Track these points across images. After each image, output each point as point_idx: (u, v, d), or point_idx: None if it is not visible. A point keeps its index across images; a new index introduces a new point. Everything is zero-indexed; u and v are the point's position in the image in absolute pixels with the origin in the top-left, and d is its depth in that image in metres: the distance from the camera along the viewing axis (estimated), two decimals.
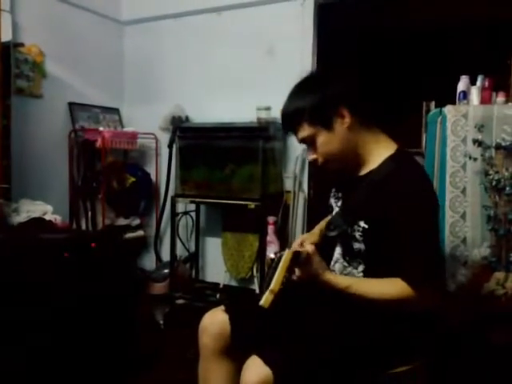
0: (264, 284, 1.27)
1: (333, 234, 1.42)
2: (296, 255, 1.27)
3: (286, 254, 1.26)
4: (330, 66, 1.39)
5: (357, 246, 1.32)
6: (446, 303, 2.04)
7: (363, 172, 1.35)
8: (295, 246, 1.42)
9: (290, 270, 1.26)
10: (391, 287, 1.24)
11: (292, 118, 1.35)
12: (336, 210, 1.45)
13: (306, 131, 1.32)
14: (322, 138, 1.31)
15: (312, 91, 1.31)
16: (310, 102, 1.29)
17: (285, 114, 1.37)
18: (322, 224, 1.61)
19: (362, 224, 1.29)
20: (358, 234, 1.30)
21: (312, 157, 1.38)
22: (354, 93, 1.34)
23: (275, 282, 1.21)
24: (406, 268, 1.22)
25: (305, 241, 1.43)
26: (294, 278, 1.32)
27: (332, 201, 1.49)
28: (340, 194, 1.46)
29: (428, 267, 1.21)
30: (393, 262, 1.24)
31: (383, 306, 1.24)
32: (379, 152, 1.32)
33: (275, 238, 2.85)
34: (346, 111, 1.29)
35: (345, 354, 1.23)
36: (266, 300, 1.20)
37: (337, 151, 1.32)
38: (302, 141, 1.36)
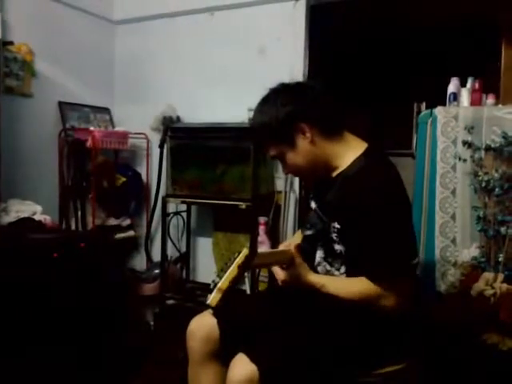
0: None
1: (309, 232, 1.46)
2: (252, 253, 1.26)
3: (243, 252, 1.26)
4: (292, 83, 1.37)
5: (337, 247, 1.34)
6: (436, 303, 2.06)
7: (335, 173, 1.36)
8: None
9: (242, 267, 1.26)
10: (358, 285, 1.26)
11: (258, 142, 1.45)
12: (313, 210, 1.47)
13: (272, 151, 1.38)
14: (288, 156, 1.35)
15: (267, 114, 1.33)
16: (267, 126, 1.33)
17: (253, 139, 1.44)
18: None
19: (336, 225, 1.31)
20: (334, 236, 1.32)
21: (285, 171, 1.44)
22: (310, 107, 1.32)
23: (224, 280, 1.24)
24: (369, 266, 1.25)
25: (291, 243, 1.44)
26: (279, 282, 1.35)
27: (311, 202, 1.50)
28: (316, 195, 1.48)
29: (390, 265, 1.23)
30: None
31: (354, 304, 1.26)
32: (349, 154, 1.34)
33: (266, 238, 2.85)
34: (305, 126, 1.31)
35: (332, 352, 1.24)
36: (213, 299, 1.23)
37: (305, 165, 1.35)
38: (272, 158, 1.41)
